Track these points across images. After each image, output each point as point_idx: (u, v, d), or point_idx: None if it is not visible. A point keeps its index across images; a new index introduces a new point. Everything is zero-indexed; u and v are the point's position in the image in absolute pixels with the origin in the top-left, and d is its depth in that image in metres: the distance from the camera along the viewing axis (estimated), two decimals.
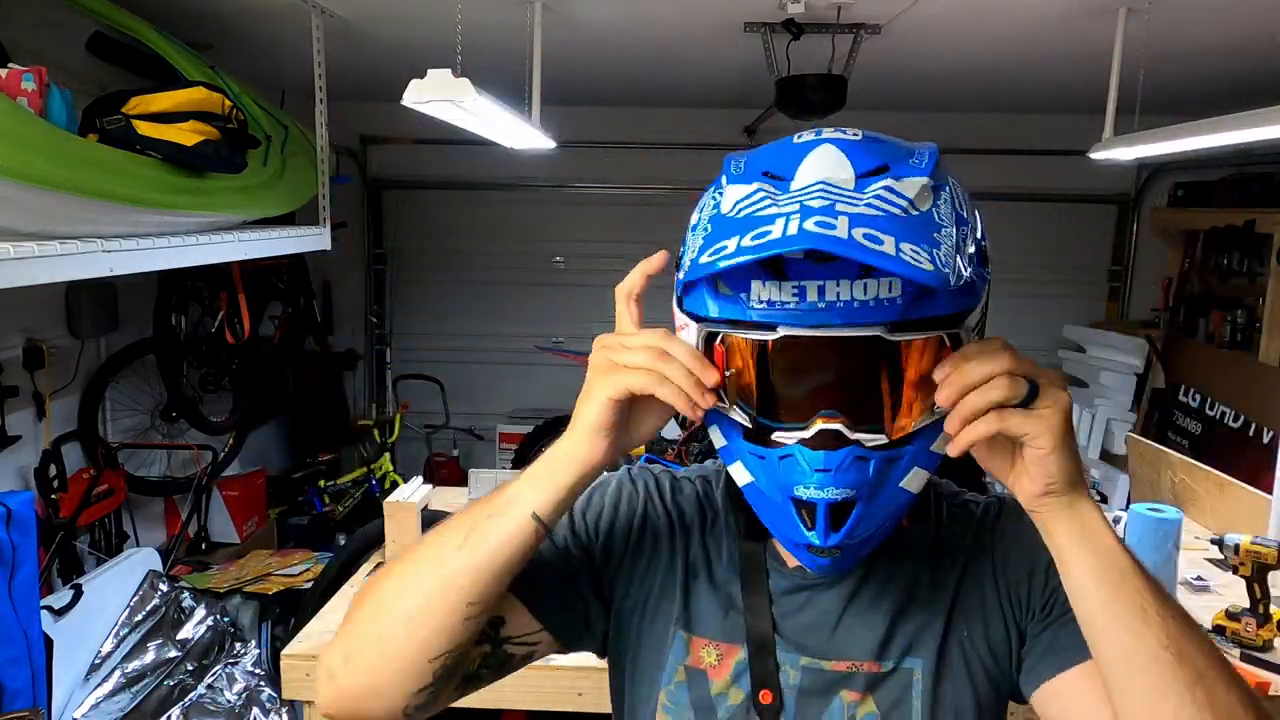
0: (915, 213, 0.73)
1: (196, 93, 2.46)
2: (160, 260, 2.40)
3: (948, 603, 0.91)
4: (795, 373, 0.79)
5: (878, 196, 0.72)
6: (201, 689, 2.84)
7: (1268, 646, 1.99)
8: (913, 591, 0.91)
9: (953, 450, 0.76)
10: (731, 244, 0.70)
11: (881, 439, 0.78)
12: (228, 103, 2.56)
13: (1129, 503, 2.96)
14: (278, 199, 3.16)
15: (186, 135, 2.39)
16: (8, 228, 1.87)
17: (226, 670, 2.90)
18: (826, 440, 0.77)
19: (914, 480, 0.80)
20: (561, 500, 0.83)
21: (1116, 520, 2.68)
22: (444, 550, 0.83)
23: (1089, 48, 3.32)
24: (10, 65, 2.03)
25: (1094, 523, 0.77)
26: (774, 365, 0.79)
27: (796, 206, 0.71)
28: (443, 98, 2.19)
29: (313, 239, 3.30)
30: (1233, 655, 1.97)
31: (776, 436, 0.79)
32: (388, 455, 4.96)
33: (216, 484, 4.17)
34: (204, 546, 4.02)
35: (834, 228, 0.67)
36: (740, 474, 0.83)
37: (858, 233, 0.68)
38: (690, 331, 0.81)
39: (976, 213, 0.83)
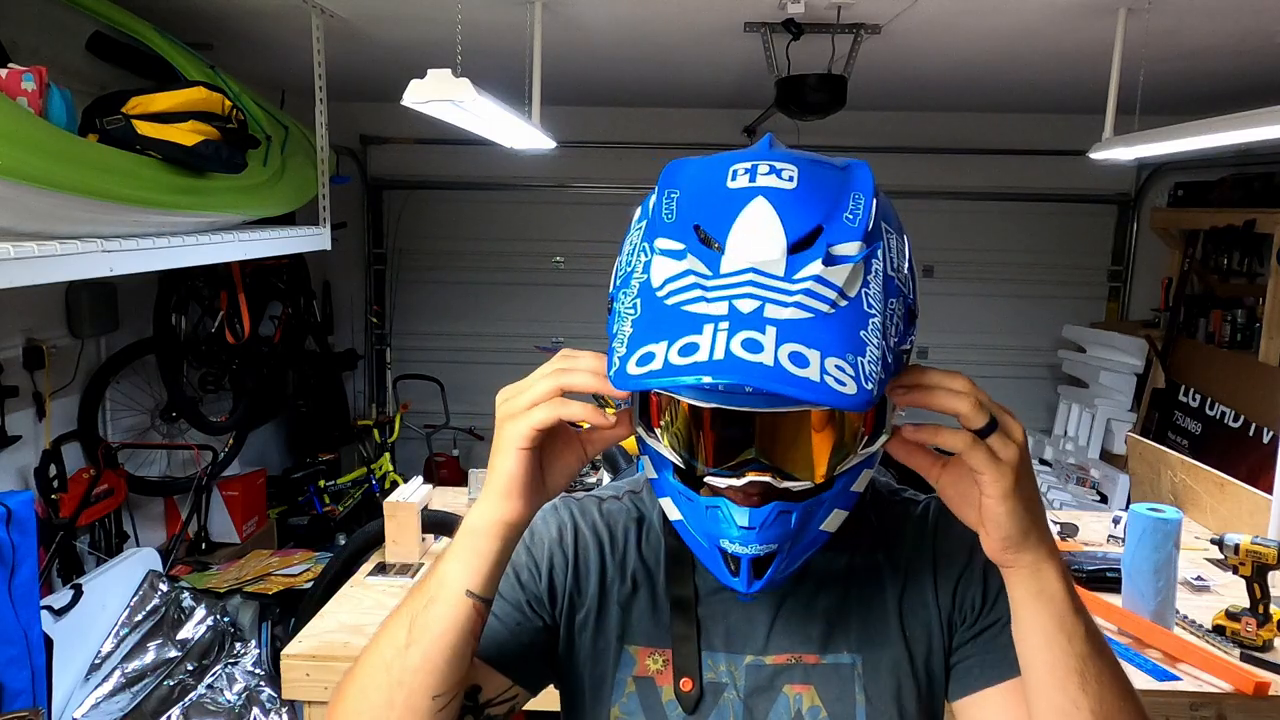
0: (844, 303, 0.72)
1: (196, 93, 2.46)
2: (160, 260, 2.40)
3: (886, 597, 0.93)
4: (723, 433, 0.80)
5: (807, 292, 0.71)
6: (201, 689, 2.84)
7: (1268, 646, 1.99)
8: (849, 584, 0.93)
9: (897, 448, 0.79)
10: (659, 357, 0.69)
11: (806, 485, 0.79)
12: (228, 103, 2.56)
13: (1129, 503, 2.97)
14: (278, 199, 3.16)
15: (186, 135, 2.40)
16: (8, 228, 1.87)
17: (226, 670, 2.90)
18: (755, 492, 0.79)
19: (833, 521, 0.83)
20: (492, 569, 0.83)
21: (1116, 520, 2.69)
22: (393, 652, 0.83)
23: (1089, 48, 3.32)
24: (10, 65, 2.03)
25: (1051, 584, 0.79)
26: (704, 425, 0.80)
27: (725, 309, 0.70)
28: (443, 98, 2.19)
29: (313, 239, 3.30)
30: (1233, 655, 1.97)
31: (708, 481, 0.80)
32: (388, 455, 4.96)
33: (216, 484, 4.17)
34: (204, 546, 4.02)
35: (761, 349, 0.67)
36: (670, 509, 0.85)
37: (784, 352, 0.67)
38: None
39: (907, 255, 0.82)
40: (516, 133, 3.05)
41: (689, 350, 0.68)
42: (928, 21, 3.12)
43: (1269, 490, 2.50)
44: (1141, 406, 5.05)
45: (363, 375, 5.92)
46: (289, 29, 3.31)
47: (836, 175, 0.80)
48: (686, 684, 0.91)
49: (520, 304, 5.77)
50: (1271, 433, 4.06)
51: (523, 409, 0.79)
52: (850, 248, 0.74)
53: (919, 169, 5.49)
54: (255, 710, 2.83)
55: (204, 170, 2.54)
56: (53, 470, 3.24)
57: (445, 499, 2.92)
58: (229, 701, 2.84)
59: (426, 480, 2.66)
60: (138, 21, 2.88)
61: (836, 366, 0.68)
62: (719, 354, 0.67)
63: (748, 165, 0.79)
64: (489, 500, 0.82)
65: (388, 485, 4.84)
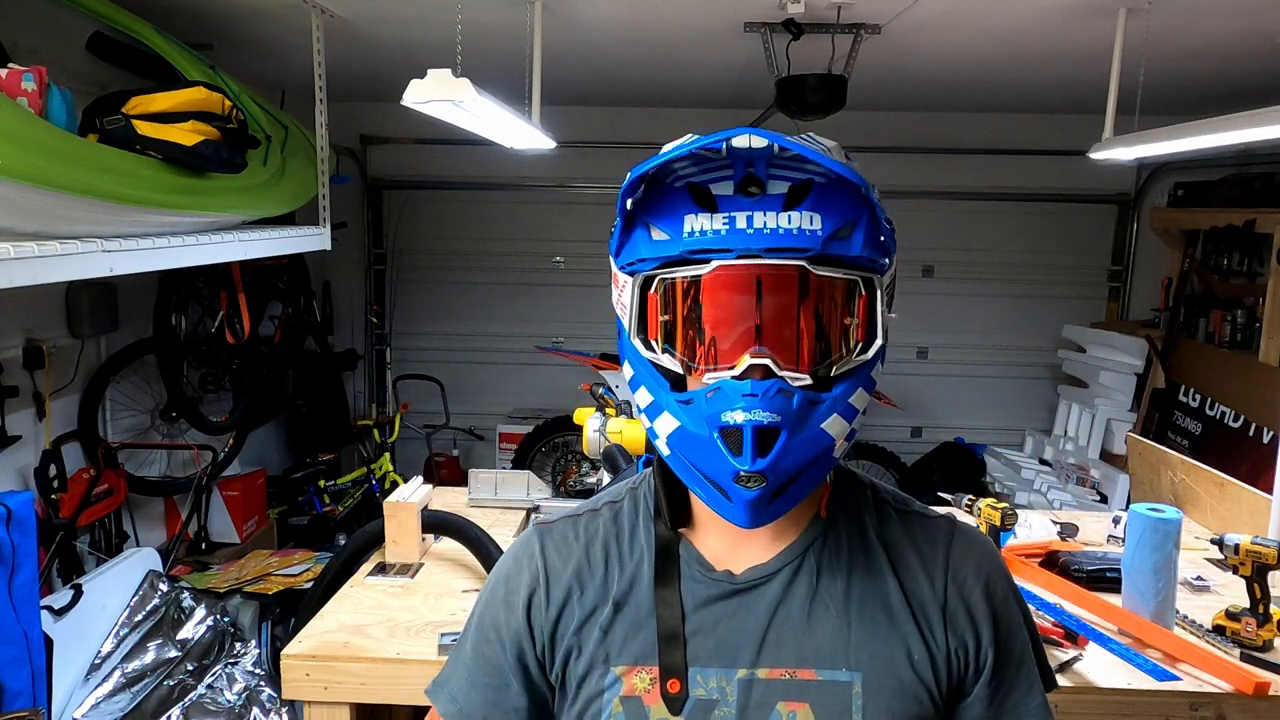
0: (835, 158, 0.81)
1: (196, 93, 2.46)
2: (160, 260, 2.40)
3: (893, 615, 0.90)
4: (724, 315, 0.83)
5: (801, 138, 0.82)
6: (201, 689, 2.84)
7: (1268, 646, 1.99)
8: (849, 597, 0.90)
9: None
10: (674, 145, 0.82)
11: (806, 379, 0.83)
12: (228, 103, 2.56)
13: (1129, 503, 2.96)
14: (278, 199, 3.16)
15: (186, 135, 2.40)
16: (8, 228, 1.87)
17: (226, 670, 2.90)
18: (757, 374, 0.81)
19: (834, 425, 0.83)
20: None
21: (1116, 520, 2.69)
22: None
23: (1089, 48, 3.32)
24: (10, 65, 2.03)
25: None
26: (705, 307, 0.83)
27: (731, 130, 0.80)
28: (443, 98, 2.19)
29: (313, 239, 3.30)
30: (1233, 655, 1.97)
31: (707, 378, 0.83)
32: (388, 455, 4.96)
33: (216, 484, 4.17)
34: (204, 546, 4.02)
35: (763, 137, 0.79)
36: (666, 424, 0.85)
37: (781, 143, 0.79)
38: (627, 289, 0.87)
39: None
40: (516, 133, 3.04)
41: (697, 142, 0.81)
42: (928, 21, 3.12)
43: (1269, 490, 2.50)
44: (1141, 406, 5.05)
45: (363, 375, 5.92)
46: (289, 29, 3.31)
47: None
48: (674, 685, 0.88)
49: (520, 304, 5.77)
50: (1271, 433, 4.06)
51: None
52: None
53: (919, 169, 5.49)
54: (255, 710, 2.83)
55: (204, 170, 2.54)
56: (53, 470, 3.24)
57: (445, 499, 2.92)
58: (229, 701, 2.84)
59: (426, 480, 2.66)
60: (138, 21, 2.88)
61: (833, 157, 0.81)
62: (740, 141, 0.80)
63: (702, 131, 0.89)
64: None
65: (388, 485, 4.84)
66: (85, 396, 3.54)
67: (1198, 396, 4.71)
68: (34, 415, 3.26)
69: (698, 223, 0.81)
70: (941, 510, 1.00)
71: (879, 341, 0.85)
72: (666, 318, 0.85)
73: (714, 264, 0.81)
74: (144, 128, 2.33)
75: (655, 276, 0.85)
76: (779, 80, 3.38)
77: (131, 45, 3.02)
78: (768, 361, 0.81)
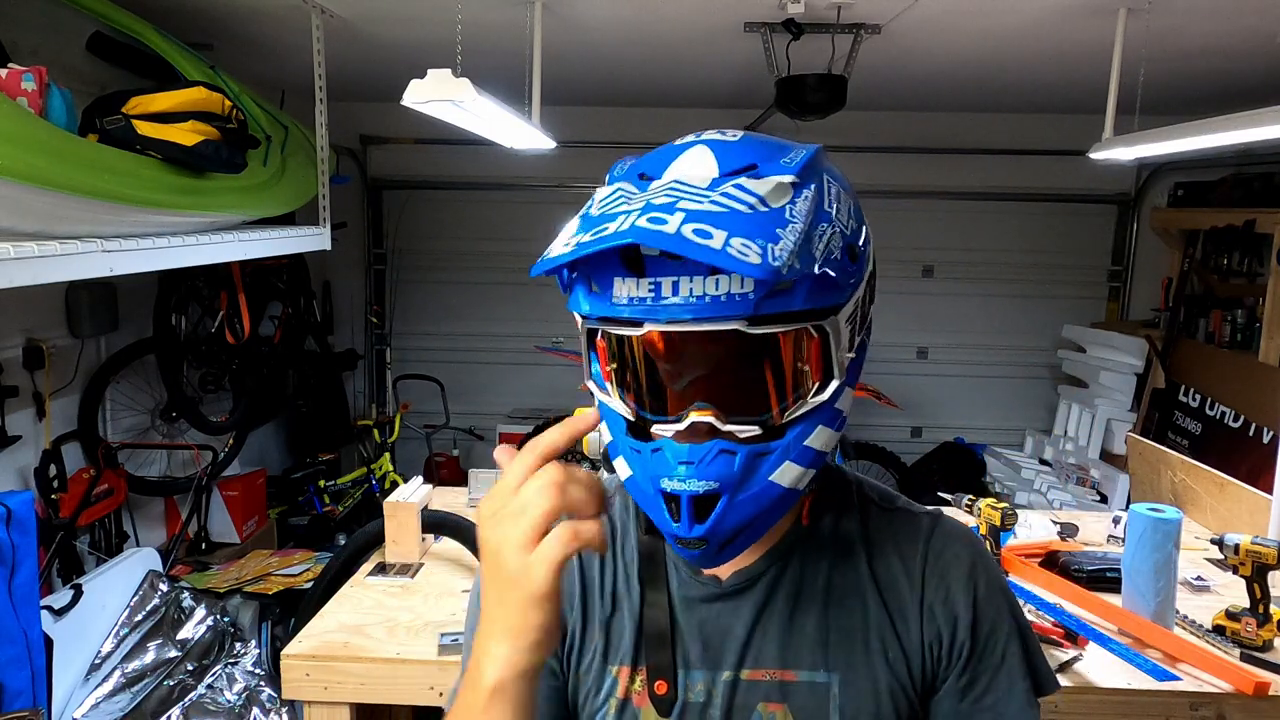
0: (764, 209, 0.73)
1: (196, 93, 2.46)
2: (160, 260, 2.40)
3: (869, 615, 0.89)
4: (671, 366, 0.81)
5: (725, 194, 0.73)
6: (201, 689, 2.84)
7: (1268, 646, 1.99)
8: (829, 597, 0.90)
9: None
10: (572, 241, 0.73)
11: (755, 430, 0.78)
12: (228, 103, 2.56)
13: (1129, 503, 2.97)
14: (278, 199, 3.16)
15: (186, 135, 2.40)
16: (8, 228, 1.87)
17: (226, 670, 2.90)
18: (700, 433, 0.78)
19: (785, 474, 0.80)
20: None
21: (1116, 520, 2.69)
22: None
23: (1089, 48, 3.32)
24: (10, 65, 2.03)
25: None
26: (644, 363, 0.81)
27: (643, 204, 0.73)
28: (443, 98, 2.19)
29: (313, 239, 3.30)
30: (1233, 655, 1.97)
31: (654, 430, 0.81)
32: (388, 455, 4.96)
33: (216, 484, 4.17)
34: (204, 546, 4.02)
35: (665, 223, 0.69)
36: (622, 468, 0.84)
37: (688, 229, 0.69)
38: (581, 329, 0.84)
39: (853, 211, 0.83)
40: (516, 133, 3.04)
41: (599, 231, 0.71)
42: (928, 21, 3.12)
43: (1269, 490, 2.50)
44: (1141, 406, 5.05)
45: (363, 375, 5.92)
46: (289, 29, 3.31)
47: (784, 143, 0.83)
48: (661, 687, 0.88)
49: (520, 304, 5.77)
50: (1271, 433, 4.06)
51: (527, 542, 0.71)
52: (783, 178, 0.76)
53: (919, 169, 5.49)
54: (255, 710, 2.83)
55: (204, 170, 2.54)
56: (53, 470, 3.24)
57: (445, 499, 2.92)
58: (229, 701, 2.84)
59: (426, 480, 2.66)
60: (138, 21, 2.88)
61: (742, 244, 0.68)
62: (624, 227, 0.69)
63: (694, 135, 0.84)
64: (517, 653, 0.72)
65: (388, 485, 4.84)
66: (85, 396, 3.54)
67: (1198, 396, 4.72)
68: (34, 415, 3.26)
69: (625, 287, 0.75)
70: (930, 507, 0.98)
71: (835, 382, 0.80)
72: (614, 366, 0.83)
73: (646, 327, 0.76)
74: (144, 128, 2.33)
75: (598, 329, 0.81)
76: (779, 80, 3.38)
77: (131, 45, 3.02)
78: (709, 419, 0.77)
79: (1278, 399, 4.05)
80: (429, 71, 2.19)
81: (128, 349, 3.73)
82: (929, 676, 0.89)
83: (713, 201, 0.72)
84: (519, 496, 0.72)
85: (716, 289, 0.73)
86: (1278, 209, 4.34)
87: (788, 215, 0.73)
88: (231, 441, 4.27)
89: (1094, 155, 3.20)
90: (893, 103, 5.14)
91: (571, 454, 5.47)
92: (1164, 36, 3.11)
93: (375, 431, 5.09)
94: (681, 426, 0.78)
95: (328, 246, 3.35)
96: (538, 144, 3.33)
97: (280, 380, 4.94)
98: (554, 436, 0.75)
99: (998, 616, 0.90)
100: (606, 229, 0.71)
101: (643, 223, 0.69)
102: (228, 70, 3.15)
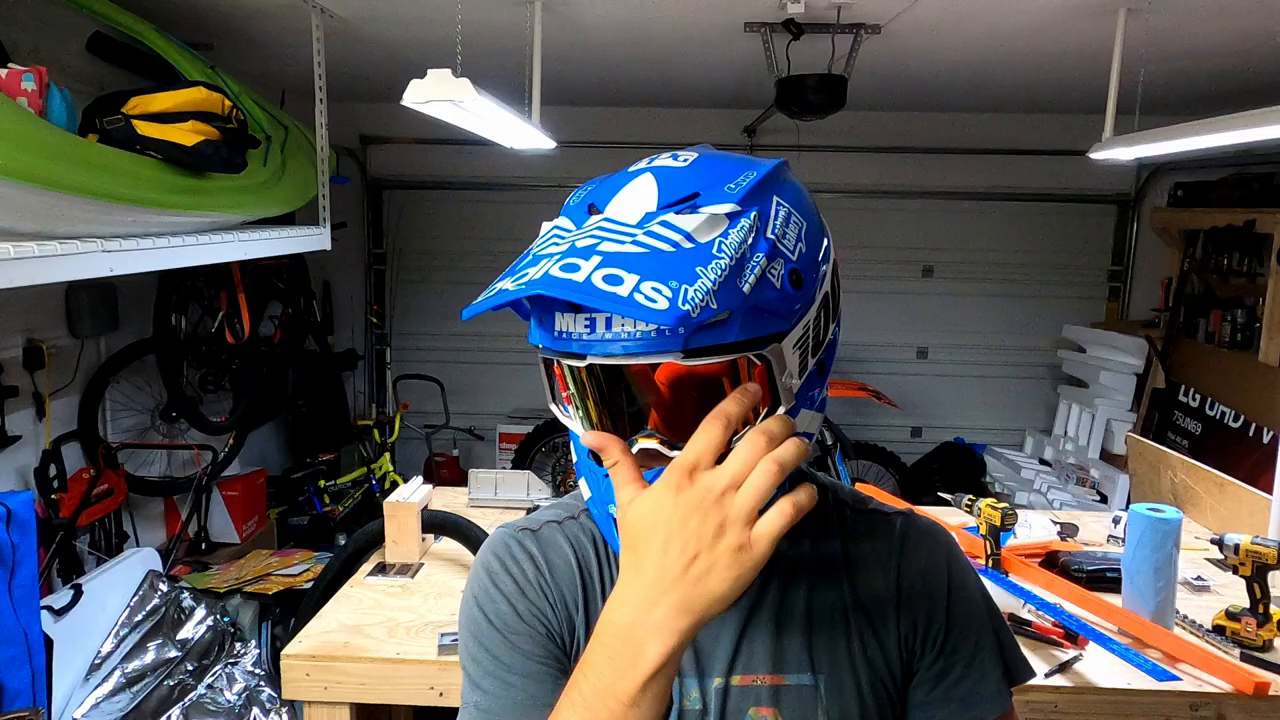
0: (689, 245, 0.72)
1: (196, 93, 2.46)
2: (160, 260, 2.40)
3: (847, 615, 0.91)
4: (610, 399, 0.83)
5: (649, 233, 0.73)
6: (201, 689, 2.84)
7: (1268, 646, 1.99)
8: (811, 601, 0.91)
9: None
10: (496, 287, 0.74)
11: None
12: (228, 103, 2.56)
13: (1129, 503, 2.96)
14: (278, 199, 3.16)
15: (186, 135, 2.40)
16: (8, 228, 1.87)
17: (226, 670, 2.90)
18: (649, 457, 0.79)
19: None
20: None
21: (1116, 520, 2.69)
22: None
23: (1089, 48, 3.32)
24: (10, 65, 2.03)
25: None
26: (601, 388, 0.83)
27: (567, 246, 0.74)
28: (443, 98, 2.19)
29: (313, 239, 3.30)
30: (1233, 655, 1.97)
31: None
32: (388, 455, 4.96)
33: (216, 484, 4.17)
34: (204, 546, 4.02)
35: (577, 270, 0.70)
36: (584, 490, 0.87)
37: (599, 275, 0.69)
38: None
39: (806, 234, 0.81)
40: (516, 133, 3.05)
41: (520, 277, 0.73)
42: (928, 21, 3.12)
43: (1269, 490, 2.50)
44: (1141, 406, 5.05)
45: (363, 375, 5.92)
46: (289, 29, 3.31)
47: (740, 163, 0.82)
48: None
49: None
50: (1271, 433, 4.06)
51: (746, 519, 0.69)
52: (720, 208, 0.76)
53: (919, 169, 5.49)
54: (255, 710, 2.83)
55: (204, 170, 2.54)
56: (53, 470, 3.24)
57: (445, 499, 2.92)
58: (229, 701, 2.84)
59: (426, 480, 2.66)
60: (138, 21, 2.88)
61: (652, 288, 0.68)
62: (538, 276, 0.71)
63: (646, 161, 0.83)
64: (696, 625, 0.71)
65: (388, 485, 4.85)
66: (85, 396, 3.54)
67: (1198, 396, 4.72)
68: (34, 415, 3.26)
69: (564, 322, 0.77)
70: (902, 506, 1.01)
71: (783, 408, 0.79)
72: (569, 392, 0.84)
73: (589, 359, 0.77)
74: (144, 128, 2.33)
75: (551, 359, 0.83)
76: (779, 80, 3.38)
77: (131, 45, 3.02)
78: (656, 445, 0.79)
79: (1278, 399, 4.05)
80: (429, 71, 2.20)
81: (128, 349, 3.73)
82: (907, 668, 0.92)
83: (635, 242, 0.72)
84: (729, 470, 0.69)
85: (648, 325, 0.73)
86: (1278, 209, 4.34)
87: (715, 250, 0.73)
88: (231, 441, 4.27)
89: (1094, 155, 3.20)
90: (892, 103, 5.14)
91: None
92: (1164, 36, 3.11)
93: (375, 431, 5.09)
94: (632, 451, 0.79)
95: (328, 246, 3.35)
96: (537, 144, 3.33)
97: (280, 380, 4.93)
98: (732, 406, 0.73)
99: (970, 606, 0.93)
100: (527, 275, 0.72)
101: (555, 270, 0.71)
102: (228, 70, 3.15)
